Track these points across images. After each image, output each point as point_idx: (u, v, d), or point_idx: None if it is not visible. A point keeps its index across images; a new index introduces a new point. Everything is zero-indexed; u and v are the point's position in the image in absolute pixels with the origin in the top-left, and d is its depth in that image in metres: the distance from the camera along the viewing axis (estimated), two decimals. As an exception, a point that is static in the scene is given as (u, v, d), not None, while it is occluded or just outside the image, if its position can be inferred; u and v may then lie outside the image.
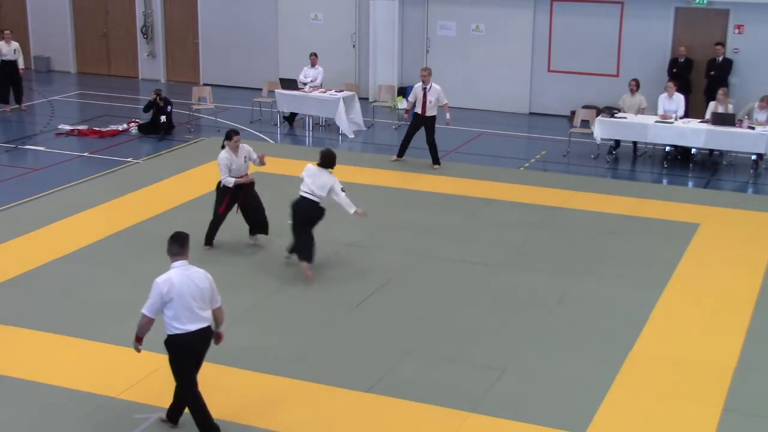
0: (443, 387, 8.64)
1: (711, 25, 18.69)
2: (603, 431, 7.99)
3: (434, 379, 8.81)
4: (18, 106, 19.81)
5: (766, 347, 9.56)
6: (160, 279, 7.43)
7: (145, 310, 7.45)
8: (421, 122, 15.72)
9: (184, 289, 7.40)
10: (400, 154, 16.07)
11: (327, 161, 11.08)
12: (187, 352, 7.54)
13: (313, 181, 10.95)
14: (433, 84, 15.71)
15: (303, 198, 11.00)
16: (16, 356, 9.20)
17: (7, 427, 7.99)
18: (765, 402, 8.51)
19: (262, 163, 11.95)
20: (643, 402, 8.44)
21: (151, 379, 8.72)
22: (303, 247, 11.02)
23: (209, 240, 11.88)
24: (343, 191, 10.95)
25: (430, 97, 15.55)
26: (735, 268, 11.57)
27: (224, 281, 11.00)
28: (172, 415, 7.89)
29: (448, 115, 15.97)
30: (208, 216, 13.30)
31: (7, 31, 19.95)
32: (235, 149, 11.51)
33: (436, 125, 15.79)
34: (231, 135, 11.55)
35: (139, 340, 7.64)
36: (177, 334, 7.43)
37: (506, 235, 12.66)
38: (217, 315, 7.73)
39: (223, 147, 11.60)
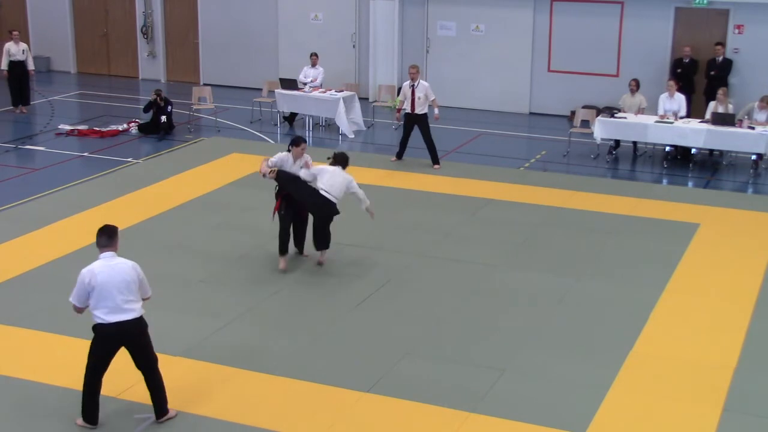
0: (443, 387, 8.64)
1: (711, 25, 18.69)
2: (603, 431, 7.99)
3: (434, 379, 8.81)
4: (21, 106, 19.79)
5: (766, 347, 9.56)
6: (85, 269, 7.68)
7: (71, 298, 7.75)
8: (414, 121, 15.72)
9: (107, 279, 7.59)
10: (399, 155, 16.06)
11: (343, 161, 11.44)
12: (102, 343, 7.71)
13: (331, 180, 11.11)
14: (421, 81, 15.73)
15: (322, 196, 11.05)
16: (16, 356, 9.20)
17: (7, 427, 7.99)
18: (765, 402, 8.51)
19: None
20: (643, 402, 8.43)
21: (151, 379, 8.72)
22: (326, 238, 11.37)
23: (283, 250, 11.31)
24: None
25: (418, 94, 15.56)
26: (735, 268, 11.57)
27: (225, 281, 11.03)
28: (156, 407, 8.01)
29: (436, 111, 15.99)
30: (208, 216, 13.32)
31: (15, 32, 19.96)
32: (299, 155, 11.24)
33: (429, 124, 15.76)
34: (299, 141, 11.26)
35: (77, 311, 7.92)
36: (96, 324, 7.67)
37: (506, 235, 12.65)
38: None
39: (288, 150, 11.29)
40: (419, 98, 15.59)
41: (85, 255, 11.75)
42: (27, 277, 11.08)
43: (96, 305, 7.61)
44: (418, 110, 15.65)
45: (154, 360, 7.95)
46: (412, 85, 15.62)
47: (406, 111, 15.75)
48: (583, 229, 12.95)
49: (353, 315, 10.19)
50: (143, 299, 7.84)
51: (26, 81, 19.82)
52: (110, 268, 7.66)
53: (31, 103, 20.26)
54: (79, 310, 7.82)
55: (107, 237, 7.82)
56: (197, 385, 8.67)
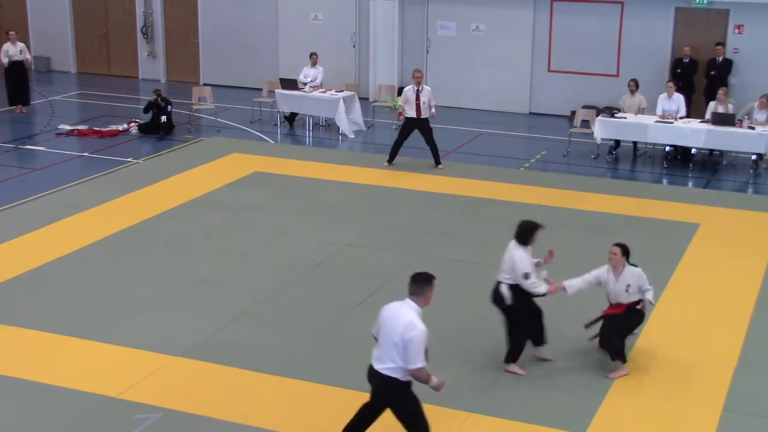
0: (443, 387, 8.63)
1: (711, 25, 18.69)
2: (603, 431, 7.99)
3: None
4: (19, 105, 19.79)
5: (766, 347, 9.56)
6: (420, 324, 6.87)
7: (421, 363, 6.86)
8: (415, 125, 15.63)
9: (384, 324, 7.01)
10: (391, 159, 15.90)
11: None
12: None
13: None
14: (425, 85, 15.68)
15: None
16: (16, 356, 9.20)
17: (7, 427, 7.99)
18: (765, 402, 8.51)
19: None
20: (643, 402, 8.43)
21: (151, 379, 8.72)
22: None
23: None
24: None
25: (423, 98, 15.50)
26: (735, 268, 11.57)
27: (225, 281, 11.03)
28: None
29: (433, 110, 15.76)
30: (208, 216, 13.33)
31: (12, 32, 19.97)
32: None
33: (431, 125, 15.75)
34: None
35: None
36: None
37: (506, 235, 12.60)
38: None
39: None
40: (424, 103, 15.53)
41: (85, 255, 11.77)
42: (27, 277, 11.08)
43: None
44: (423, 114, 15.59)
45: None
46: (417, 90, 15.54)
47: (410, 116, 15.62)
48: (583, 229, 12.95)
49: (353, 315, 10.19)
50: (407, 369, 6.87)
51: (25, 81, 19.81)
52: (394, 313, 6.96)
53: (31, 103, 20.25)
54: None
55: (417, 286, 7.06)
56: (197, 385, 8.67)
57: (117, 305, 10.27)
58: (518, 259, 8.71)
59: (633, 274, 8.89)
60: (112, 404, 8.29)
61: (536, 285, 8.74)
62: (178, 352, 9.22)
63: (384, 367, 6.94)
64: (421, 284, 7.02)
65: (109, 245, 12.08)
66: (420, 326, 6.79)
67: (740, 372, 9.01)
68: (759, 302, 10.60)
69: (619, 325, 8.96)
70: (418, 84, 15.51)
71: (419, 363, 6.80)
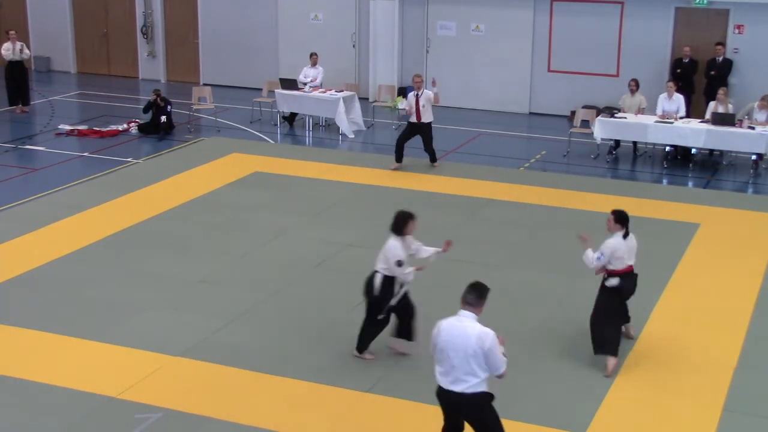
0: (443, 387, 8.63)
1: (711, 25, 18.69)
2: (603, 431, 7.99)
3: (434, 379, 8.78)
4: (20, 105, 19.80)
5: (766, 347, 9.56)
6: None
7: (505, 369, 6.82)
8: (416, 130, 15.62)
9: (447, 340, 6.82)
10: (398, 158, 15.81)
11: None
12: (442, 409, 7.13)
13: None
14: (425, 90, 15.65)
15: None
16: (16, 356, 9.20)
17: (7, 427, 7.99)
18: (765, 402, 8.51)
19: None
20: (643, 402, 8.43)
21: (151, 379, 8.73)
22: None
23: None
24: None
25: (422, 102, 15.44)
26: (735, 268, 11.57)
27: (225, 281, 11.03)
28: None
29: (436, 89, 15.74)
30: (208, 216, 13.33)
31: (11, 32, 19.97)
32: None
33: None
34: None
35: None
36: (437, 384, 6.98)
37: (506, 235, 12.66)
38: None
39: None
40: (423, 106, 15.50)
41: (85, 255, 11.77)
42: (27, 277, 11.08)
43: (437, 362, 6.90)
44: (425, 119, 15.58)
45: None
46: (417, 95, 15.50)
47: (411, 120, 15.60)
48: (583, 229, 12.90)
49: (353, 315, 10.18)
50: (495, 375, 6.80)
51: (25, 81, 19.82)
52: (455, 329, 6.79)
53: (31, 103, 20.25)
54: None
55: (475, 296, 6.88)
56: (197, 385, 8.67)
57: (117, 305, 10.28)
58: (391, 247, 8.96)
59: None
60: (112, 404, 8.29)
61: (408, 274, 9.02)
62: (178, 352, 9.22)
63: (467, 386, 6.77)
64: (480, 295, 6.85)
65: (109, 245, 12.08)
66: (490, 332, 6.71)
67: (740, 372, 9.01)
68: (759, 302, 10.60)
69: (599, 315, 9.13)
70: (418, 89, 15.49)
71: (503, 366, 6.75)
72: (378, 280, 9.06)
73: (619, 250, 9.09)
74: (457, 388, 6.79)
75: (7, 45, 19.59)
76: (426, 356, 9.20)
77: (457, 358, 6.72)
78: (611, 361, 8.94)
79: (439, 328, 6.86)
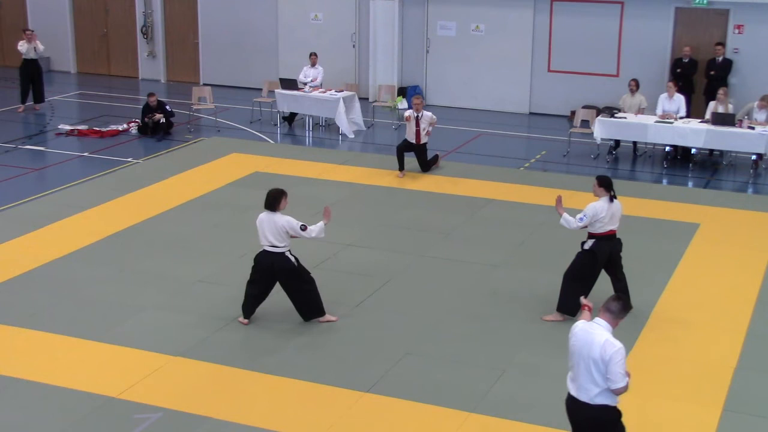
0: (443, 387, 8.64)
1: (711, 25, 18.69)
2: (603, 431, 7.99)
3: (434, 379, 8.81)
4: (32, 104, 19.84)
5: (766, 347, 9.56)
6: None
7: (624, 383, 6.60)
8: (413, 148, 15.37)
9: (578, 345, 6.66)
10: (402, 167, 15.63)
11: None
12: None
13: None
14: (424, 111, 15.48)
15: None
16: (16, 356, 9.20)
17: (8, 427, 7.99)
18: (765, 402, 8.51)
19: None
20: (643, 402, 8.43)
21: (151, 379, 8.72)
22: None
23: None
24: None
25: (423, 125, 15.30)
26: (735, 268, 11.57)
27: (225, 281, 11.03)
28: None
29: (430, 128, 15.41)
30: (208, 216, 13.33)
31: (28, 31, 20.16)
32: None
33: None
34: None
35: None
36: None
37: (506, 235, 12.66)
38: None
39: None
40: (423, 129, 15.34)
41: (85, 255, 11.77)
42: (27, 277, 11.08)
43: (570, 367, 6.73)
44: (423, 140, 15.40)
45: None
46: (417, 116, 15.31)
47: (409, 140, 15.34)
48: (583, 229, 12.91)
49: (353, 315, 10.19)
50: (611, 389, 6.58)
51: (39, 79, 19.91)
52: (585, 334, 6.64)
53: (32, 103, 20.22)
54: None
55: (620, 307, 6.64)
56: (197, 385, 8.67)
57: (117, 305, 10.27)
58: (286, 220, 9.61)
59: None
60: (112, 404, 8.29)
61: (313, 230, 9.69)
62: (178, 352, 9.22)
63: (590, 396, 6.60)
64: (624, 308, 6.66)
65: (109, 245, 12.08)
66: (618, 344, 6.53)
67: (740, 372, 9.01)
68: (759, 302, 10.60)
69: (568, 275, 9.95)
70: (418, 111, 15.36)
71: (622, 383, 6.51)
72: (289, 254, 9.71)
73: (601, 212, 9.68)
74: (582, 396, 6.63)
75: (22, 43, 19.64)
76: (425, 355, 9.24)
77: (582, 364, 6.59)
78: (557, 315, 9.94)
79: (573, 331, 6.71)
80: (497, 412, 8.22)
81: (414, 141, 15.38)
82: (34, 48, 19.67)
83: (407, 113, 15.51)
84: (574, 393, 6.72)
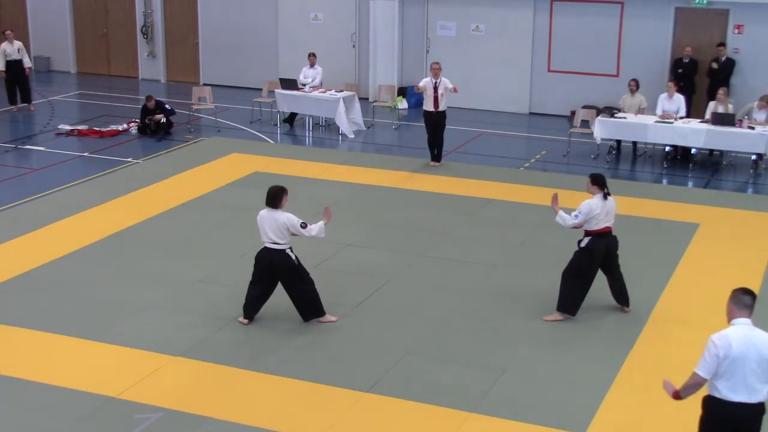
0: (443, 387, 8.64)
1: (711, 25, 18.69)
2: (603, 431, 7.99)
3: (434, 379, 8.81)
4: (26, 105, 19.84)
5: (766, 347, 9.54)
6: (716, 336, 6.47)
7: (698, 370, 6.52)
8: (435, 119, 15.52)
9: (743, 353, 6.37)
10: (436, 157, 15.74)
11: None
12: (714, 425, 6.58)
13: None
14: (443, 77, 15.56)
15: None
16: (16, 356, 9.20)
17: (8, 427, 7.99)
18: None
19: None
20: (643, 402, 8.43)
21: (151, 379, 8.73)
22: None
23: None
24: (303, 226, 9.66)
25: (441, 90, 15.39)
26: (735, 268, 11.57)
27: (225, 281, 11.03)
28: None
29: (450, 85, 15.45)
30: (208, 216, 13.32)
31: (8, 32, 19.99)
32: None
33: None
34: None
35: (677, 396, 6.80)
36: (715, 398, 6.51)
37: (506, 235, 12.66)
38: None
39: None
40: (441, 95, 15.43)
41: (85, 255, 11.77)
42: (27, 277, 11.08)
43: (721, 377, 6.46)
44: (441, 107, 15.50)
45: None
46: (435, 82, 15.37)
47: (428, 109, 15.49)
48: (583, 229, 12.91)
49: (353, 315, 10.19)
50: None
51: (24, 80, 19.83)
52: (746, 338, 6.38)
53: (32, 103, 20.23)
54: (697, 386, 6.61)
55: (753, 300, 6.51)
56: (197, 385, 8.67)
57: (117, 305, 10.27)
58: (287, 217, 9.55)
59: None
60: (112, 404, 8.29)
61: (313, 229, 9.65)
62: (178, 352, 9.22)
63: (764, 395, 6.43)
64: (754, 297, 6.57)
65: (109, 245, 12.08)
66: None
67: (740, 372, 8.99)
68: (759, 302, 10.55)
69: (566, 274, 10.00)
70: (436, 76, 15.38)
71: None
72: (290, 252, 9.65)
73: (596, 209, 9.70)
74: (753, 399, 6.42)
75: (5, 44, 19.60)
76: (425, 355, 9.25)
77: (749, 367, 6.36)
78: (557, 315, 9.95)
79: (724, 341, 6.39)
80: (497, 412, 8.22)
81: (433, 108, 15.40)
82: (18, 49, 19.64)
83: (421, 83, 15.55)
84: (743, 399, 6.40)
